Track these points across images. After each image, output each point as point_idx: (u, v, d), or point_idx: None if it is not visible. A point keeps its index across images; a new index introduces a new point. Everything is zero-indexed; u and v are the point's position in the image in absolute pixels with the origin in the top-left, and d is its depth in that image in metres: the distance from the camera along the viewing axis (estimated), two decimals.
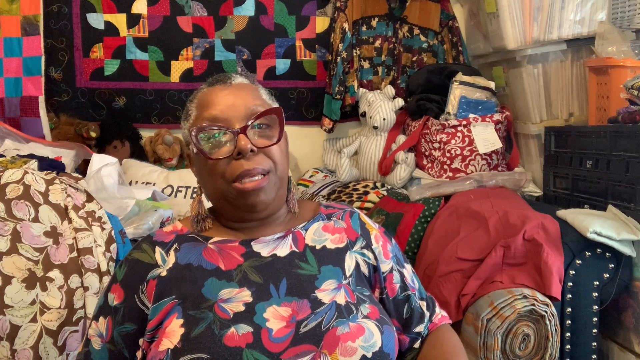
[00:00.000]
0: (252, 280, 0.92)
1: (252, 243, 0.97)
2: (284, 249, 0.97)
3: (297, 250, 0.98)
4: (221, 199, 0.96)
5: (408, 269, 1.09)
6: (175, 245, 0.97)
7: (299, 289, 0.93)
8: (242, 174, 0.91)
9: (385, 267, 1.04)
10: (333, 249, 1.00)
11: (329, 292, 0.93)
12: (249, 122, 0.93)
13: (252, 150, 0.92)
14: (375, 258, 1.03)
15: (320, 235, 1.01)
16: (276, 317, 0.89)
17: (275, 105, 1.01)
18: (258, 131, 0.95)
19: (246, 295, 0.90)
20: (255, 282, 0.92)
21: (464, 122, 2.31)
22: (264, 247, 0.97)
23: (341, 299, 0.93)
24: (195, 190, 2.32)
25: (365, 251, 1.03)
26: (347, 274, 0.98)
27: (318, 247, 0.99)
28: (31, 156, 1.94)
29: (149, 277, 0.93)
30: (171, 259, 0.95)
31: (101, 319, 0.94)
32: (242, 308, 0.89)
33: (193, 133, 0.93)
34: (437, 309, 1.11)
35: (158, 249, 0.96)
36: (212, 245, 0.97)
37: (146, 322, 0.91)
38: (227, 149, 0.93)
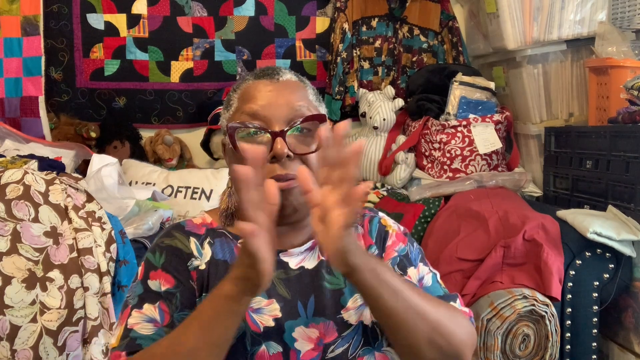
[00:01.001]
0: (279, 294, 0.90)
1: (280, 255, 0.93)
2: (311, 261, 0.94)
3: (324, 259, 0.94)
4: None
5: (419, 269, 1.00)
6: (208, 239, 0.93)
7: (326, 308, 0.90)
8: (274, 178, 0.86)
9: None
10: None
11: (355, 310, 0.91)
12: (289, 126, 0.88)
13: (288, 156, 0.86)
14: None
15: None
16: (304, 338, 0.87)
17: (322, 108, 0.96)
18: (298, 135, 0.89)
19: (275, 309, 0.88)
20: (283, 296, 0.90)
21: (464, 123, 2.31)
22: (292, 260, 0.94)
23: (367, 318, 0.91)
24: (195, 190, 2.32)
25: None
26: None
27: None
28: (31, 156, 1.94)
29: (190, 267, 0.90)
30: (207, 252, 0.92)
31: (147, 305, 0.86)
32: (272, 323, 0.87)
33: (230, 130, 0.89)
34: (455, 304, 1.00)
35: (192, 239, 0.92)
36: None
37: None
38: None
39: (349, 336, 0.89)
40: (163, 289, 0.87)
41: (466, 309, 1.01)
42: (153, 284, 0.88)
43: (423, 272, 1.00)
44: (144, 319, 0.86)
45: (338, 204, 0.71)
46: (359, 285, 0.78)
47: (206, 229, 0.95)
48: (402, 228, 1.04)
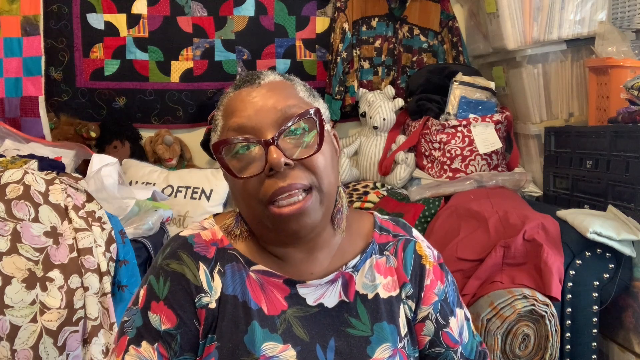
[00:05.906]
0: (297, 336, 0.81)
1: (297, 286, 0.84)
2: (332, 298, 0.84)
3: (346, 300, 0.85)
4: (258, 223, 0.81)
5: (459, 317, 0.93)
6: (218, 266, 0.83)
7: (349, 356, 0.82)
8: (277, 193, 0.75)
9: (420, 314, 0.90)
10: (386, 298, 0.87)
11: None
12: (281, 130, 0.76)
13: (286, 164, 0.75)
14: (416, 307, 0.89)
15: (372, 278, 0.87)
16: None
17: (318, 103, 0.86)
18: (294, 138, 0.78)
19: (291, 356, 0.80)
20: (301, 339, 0.81)
21: (464, 122, 2.31)
22: (310, 293, 0.84)
23: None
24: (195, 190, 2.32)
25: (409, 302, 0.89)
26: (402, 334, 0.86)
27: (370, 295, 0.86)
28: (31, 156, 1.94)
29: (198, 305, 0.81)
30: (217, 285, 0.82)
31: (145, 344, 0.80)
32: None
33: (215, 149, 0.78)
34: None
35: (202, 267, 0.82)
36: (254, 275, 0.83)
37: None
38: (258, 164, 0.77)
39: None
40: (163, 328, 0.80)
41: None
42: (153, 319, 0.80)
43: (461, 322, 0.94)
44: None
45: None
46: None
47: (216, 248, 0.84)
48: (436, 254, 0.94)
